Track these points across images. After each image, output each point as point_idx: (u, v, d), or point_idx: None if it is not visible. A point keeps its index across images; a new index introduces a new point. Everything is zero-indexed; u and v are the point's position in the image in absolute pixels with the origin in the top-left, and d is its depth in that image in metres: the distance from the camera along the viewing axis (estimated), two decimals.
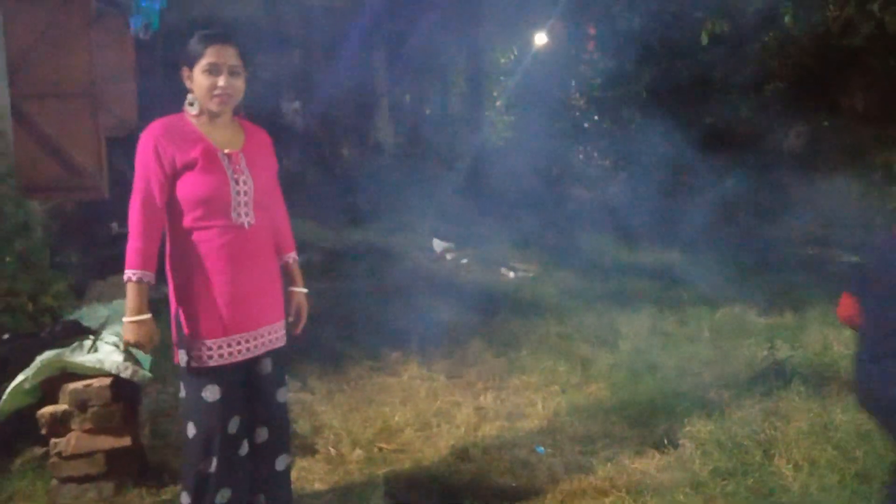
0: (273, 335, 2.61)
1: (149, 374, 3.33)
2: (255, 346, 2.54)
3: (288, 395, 2.78)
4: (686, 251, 8.31)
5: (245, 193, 2.47)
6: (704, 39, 8.38)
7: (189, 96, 2.47)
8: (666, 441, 3.61)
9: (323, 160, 12.98)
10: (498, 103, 16.29)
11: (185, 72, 2.45)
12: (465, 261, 8.40)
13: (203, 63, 2.39)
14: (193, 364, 2.44)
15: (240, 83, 2.48)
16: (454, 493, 3.24)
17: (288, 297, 2.75)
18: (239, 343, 2.48)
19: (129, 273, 2.37)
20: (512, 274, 7.68)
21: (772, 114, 9.68)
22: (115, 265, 2.70)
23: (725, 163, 9.87)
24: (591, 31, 11.33)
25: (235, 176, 2.45)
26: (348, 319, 5.60)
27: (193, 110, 2.47)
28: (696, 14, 9.70)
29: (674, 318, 5.60)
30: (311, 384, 4.40)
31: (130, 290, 2.39)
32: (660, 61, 10.02)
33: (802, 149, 11.02)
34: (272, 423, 2.69)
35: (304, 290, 2.82)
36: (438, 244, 8.81)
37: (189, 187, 2.39)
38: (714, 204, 9.67)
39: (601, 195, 12.36)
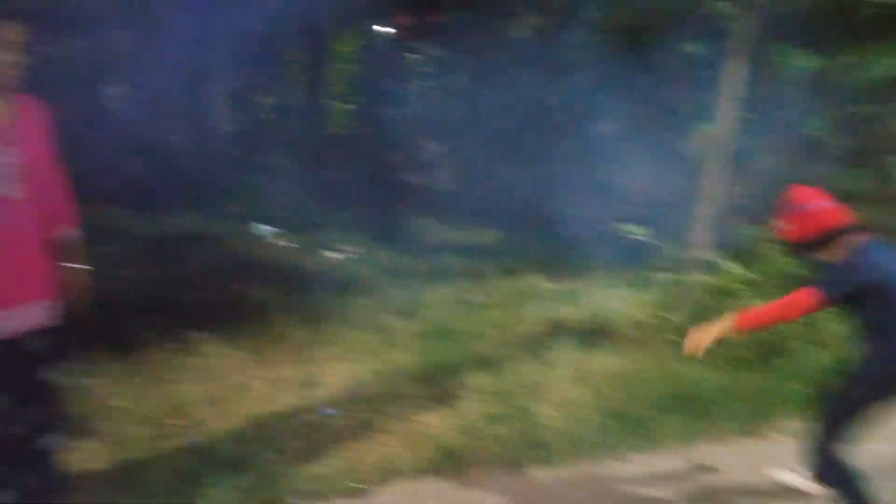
0: (34, 313, 2.52)
1: None
2: (13, 324, 2.46)
3: (57, 374, 2.68)
4: (502, 229, 8.88)
5: (8, 166, 2.40)
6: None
7: None
8: (448, 395, 3.89)
9: (149, 147, 12.35)
10: (338, 92, 16.27)
11: None
12: (290, 245, 8.39)
13: None
14: None
15: (9, 57, 2.40)
16: (241, 457, 3.32)
17: (64, 274, 2.65)
18: None
19: None
20: (336, 256, 7.78)
21: (589, 97, 10.42)
22: None
23: (545, 145, 10.56)
24: (409, 22, 11.62)
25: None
26: (153, 303, 5.45)
27: None
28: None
29: (477, 288, 5.97)
30: (99, 367, 4.25)
31: None
32: (483, 48, 10.52)
33: (614, 134, 11.94)
34: (37, 401, 2.61)
35: (84, 268, 2.72)
36: (264, 229, 8.72)
37: None
38: (532, 183, 10.36)
39: (433, 180, 12.81)
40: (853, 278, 2.63)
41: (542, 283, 6.08)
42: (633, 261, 4.61)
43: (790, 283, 4.77)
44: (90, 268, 2.74)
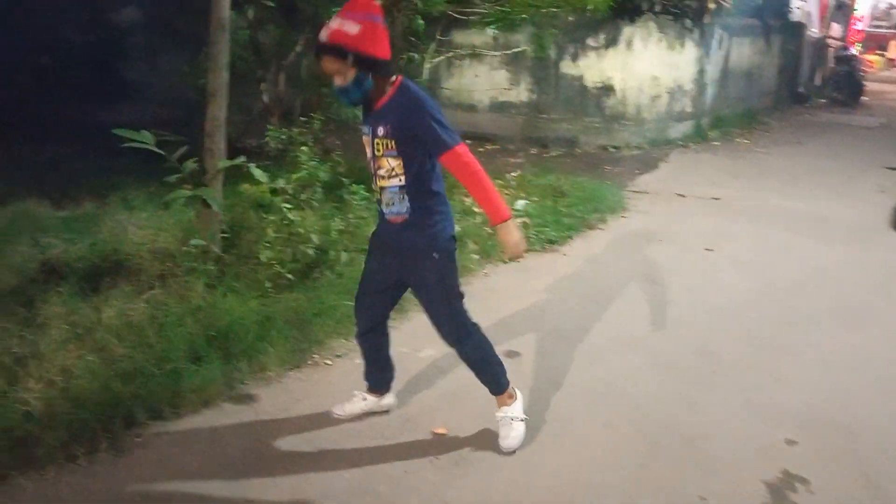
0: None
1: None
2: None
3: None
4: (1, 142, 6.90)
5: None
6: None
7: None
8: None
9: None
10: None
11: None
12: None
13: None
14: None
15: None
16: None
17: None
18: None
19: None
20: None
21: None
22: None
23: (40, 39, 8.46)
24: None
25: None
26: None
27: None
28: None
29: None
30: None
31: None
32: None
33: (137, 25, 10.30)
34: None
35: None
36: None
37: None
38: (31, 86, 8.29)
39: None
40: None
41: (41, 211, 4.75)
42: (161, 175, 3.75)
43: (321, 188, 4.52)
44: None
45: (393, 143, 2.41)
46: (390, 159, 2.43)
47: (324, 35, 2.32)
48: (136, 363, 2.94)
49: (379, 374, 2.94)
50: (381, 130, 2.42)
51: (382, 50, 2.36)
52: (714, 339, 3.83)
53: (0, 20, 8.21)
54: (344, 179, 4.82)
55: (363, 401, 2.96)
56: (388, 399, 3.00)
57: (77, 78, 8.59)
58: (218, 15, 3.70)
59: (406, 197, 2.47)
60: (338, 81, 2.36)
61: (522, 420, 2.80)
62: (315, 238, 4.00)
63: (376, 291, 2.72)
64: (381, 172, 2.47)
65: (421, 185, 2.48)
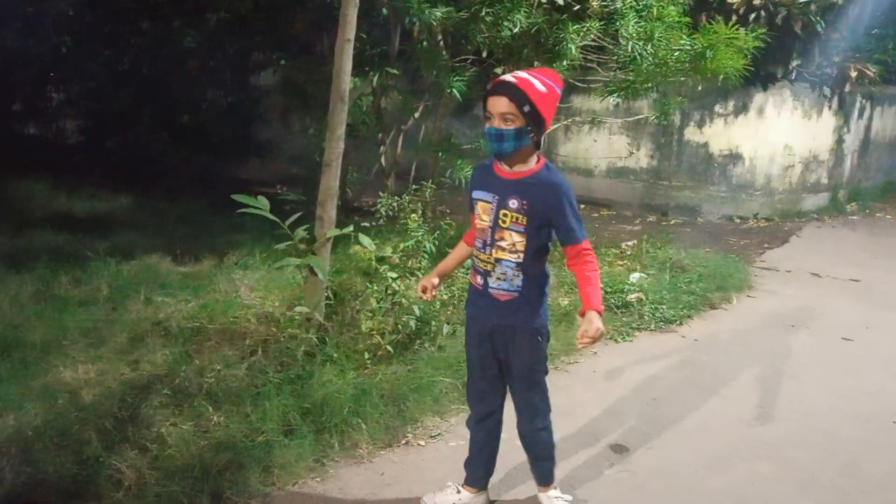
0: None
1: None
2: None
3: None
4: (133, 196, 7.42)
5: None
6: None
7: None
8: None
9: None
10: None
11: None
12: None
13: None
14: None
15: None
16: None
17: None
18: None
19: None
20: None
21: (224, 47, 9.27)
22: None
23: (185, 98, 9.13)
24: None
25: None
26: None
27: None
28: None
29: (72, 277, 4.63)
30: None
31: None
32: None
33: (272, 87, 10.95)
34: None
35: None
36: None
37: None
38: (174, 143, 8.92)
39: (54, 134, 10.47)
40: None
41: (163, 267, 4.97)
42: (274, 237, 3.83)
43: (430, 258, 4.43)
44: None
45: (524, 219, 2.34)
46: (514, 234, 2.36)
47: (510, 77, 2.30)
48: (229, 433, 2.90)
49: (482, 469, 2.74)
50: (513, 203, 2.34)
51: (549, 120, 2.34)
52: (861, 451, 3.33)
53: (148, 83, 8.94)
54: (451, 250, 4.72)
55: (457, 493, 2.75)
56: (482, 499, 2.78)
57: (213, 136, 9.17)
58: (338, 87, 3.76)
59: (520, 274, 2.39)
60: (499, 123, 2.28)
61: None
62: (417, 309, 3.90)
63: (487, 378, 2.58)
64: (502, 244, 2.38)
65: (536, 265, 2.42)
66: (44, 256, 4.95)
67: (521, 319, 2.43)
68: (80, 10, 9.39)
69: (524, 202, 2.33)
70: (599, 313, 2.31)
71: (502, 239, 2.37)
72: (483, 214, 2.42)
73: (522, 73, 2.31)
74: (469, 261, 2.60)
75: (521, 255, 2.37)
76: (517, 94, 2.26)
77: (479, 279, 2.47)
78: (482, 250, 2.44)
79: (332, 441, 3.07)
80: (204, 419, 2.99)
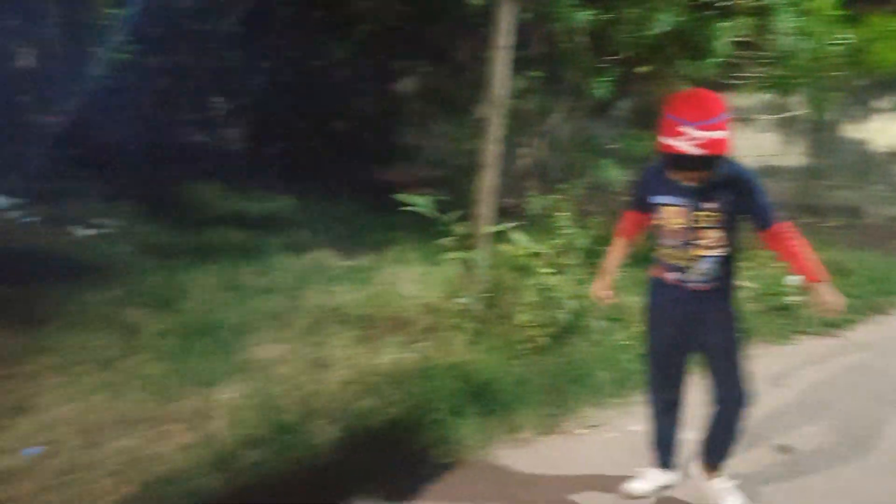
0: None
1: None
2: None
3: None
4: (296, 195, 8.06)
5: None
6: None
7: None
8: (197, 414, 3.12)
9: None
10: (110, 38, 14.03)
11: None
12: (30, 219, 6.94)
13: None
14: None
15: None
16: None
17: None
18: None
19: None
20: (85, 232, 6.51)
21: (370, 57, 9.79)
22: None
23: (336, 106, 9.76)
24: None
25: None
26: None
27: None
28: None
29: (253, 269, 5.15)
30: None
31: None
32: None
33: (413, 93, 11.43)
34: None
35: None
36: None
37: None
38: (327, 148, 9.56)
39: (221, 141, 11.51)
40: None
41: (330, 261, 5.40)
42: (430, 234, 4.11)
43: (581, 255, 4.53)
44: None
45: (720, 216, 2.43)
46: (713, 231, 2.46)
47: (691, 148, 2.27)
48: (406, 409, 3.17)
49: (669, 450, 2.84)
50: (707, 204, 2.44)
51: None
52: None
53: (304, 93, 9.63)
54: (602, 248, 4.80)
55: (656, 475, 2.86)
56: (675, 477, 2.87)
57: (361, 142, 9.74)
58: (495, 93, 3.96)
59: (718, 266, 2.50)
60: (692, 181, 2.39)
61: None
62: (570, 304, 4.02)
63: (676, 366, 2.69)
64: (703, 243, 2.48)
65: (736, 254, 2.54)
66: (226, 251, 5.53)
67: (722, 305, 2.55)
68: (242, 28, 10.29)
69: (718, 201, 2.41)
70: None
71: (701, 238, 2.46)
72: (675, 218, 2.50)
73: (694, 132, 2.25)
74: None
75: (721, 250, 2.47)
76: (711, 162, 2.31)
77: (673, 275, 2.57)
78: (678, 249, 2.53)
79: (496, 424, 3.25)
80: (381, 396, 3.27)
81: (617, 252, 2.83)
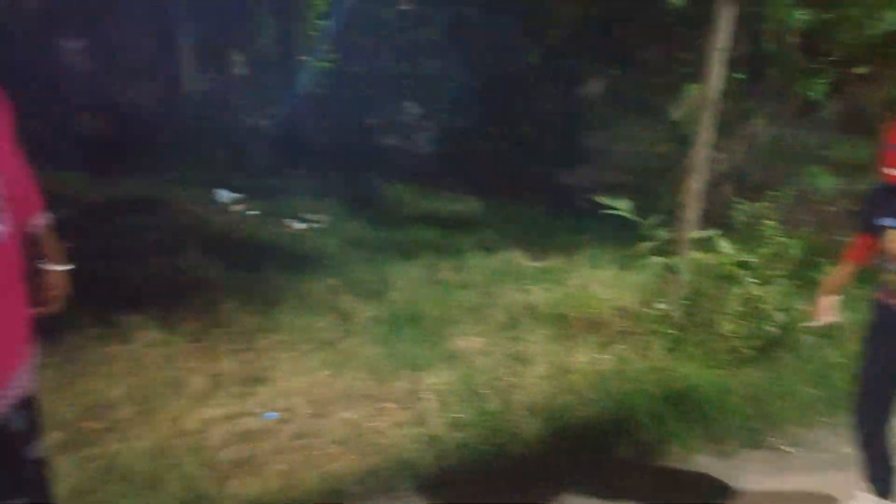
0: (18, 386, 1.83)
1: None
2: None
3: (43, 447, 2.00)
4: (484, 197, 8.34)
5: None
6: None
7: None
8: (409, 395, 3.40)
9: (107, 105, 11.57)
10: (315, 48, 15.41)
11: None
12: (252, 213, 7.81)
13: None
14: None
15: None
16: (158, 473, 2.81)
17: (40, 278, 2.00)
18: None
19: None
20: (299, 225, 7.22)
21: (562, 60, 9.86)
22: None
23: (522, 110, 9.96)
24: None
25: None
26: (84, 283, 4.87)
27: None
28: None
29: (450, 266, 5.44)
30: None
31: None
32: (450, 5, 9.84)
33: (599, 97, 11.36)
34: (27, 486, 1.95)
35: (63, 268, 2.07)
36: (223, 195, 8.11)
37: None
38: (513, 151, 9.79)
39: (412, 144, 12.17)
40: None
41: (521, 261, 5.56)
42: (621, 237, 4.13)
43: (791, 266, 4.30)
44: (69, 266, 2.10)
45: None
46: None
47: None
48: (605, 409, 3.22)
49: (887, 480, 2.67)
50: None
51: None
52: None
53: (492, 98, 9.92)
54: (814, 259, 4.52)
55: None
56: None
57: (548, 146, 9.85)
58: (706, 96, 3.89)
59: None
60: None
61: None
62: (779, 316, 3.84)
63: (886, 393, 2.55)
64: None
65: None
66: (423, 247, 5.88)
67: None
68: (437, 36, 10.83)
69: None
70: None
71: None
72: None
73: None
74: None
75: None
76: None
77: None
78: None
79: (698, 432, 3.21)
80: (578, 394, 3.36)
81: (842, 274, 2.72)
